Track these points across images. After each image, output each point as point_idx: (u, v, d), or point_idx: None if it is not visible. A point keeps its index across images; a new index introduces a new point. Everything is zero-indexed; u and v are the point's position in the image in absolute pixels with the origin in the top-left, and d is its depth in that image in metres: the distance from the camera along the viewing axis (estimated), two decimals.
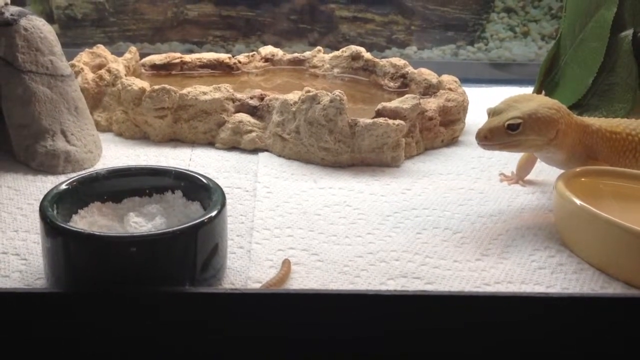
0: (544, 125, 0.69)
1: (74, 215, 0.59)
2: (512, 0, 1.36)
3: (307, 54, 1.13)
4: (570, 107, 0.87)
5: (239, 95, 0.92)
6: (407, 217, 0.72)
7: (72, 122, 0.82)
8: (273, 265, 0.62)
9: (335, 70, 1.10)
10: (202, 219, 0.55)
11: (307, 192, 0.77)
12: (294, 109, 0.86)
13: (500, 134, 0.69)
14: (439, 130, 0.92)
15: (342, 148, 0.83)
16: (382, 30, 1.36)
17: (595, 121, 0.75)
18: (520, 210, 0.74)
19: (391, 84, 1.04)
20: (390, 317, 0.53)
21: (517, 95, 0.73)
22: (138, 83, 0.91)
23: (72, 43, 1.30)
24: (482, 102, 0.93)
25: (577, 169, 0.70)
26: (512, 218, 0.72)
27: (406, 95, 0.89)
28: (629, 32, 0.89)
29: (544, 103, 0.71)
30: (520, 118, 0.68)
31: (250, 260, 0.63)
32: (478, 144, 0.70)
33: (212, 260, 0.57)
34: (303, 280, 0.60)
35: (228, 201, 0.60)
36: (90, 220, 0.60)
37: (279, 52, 1.13)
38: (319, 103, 0.84)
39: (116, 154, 0.86)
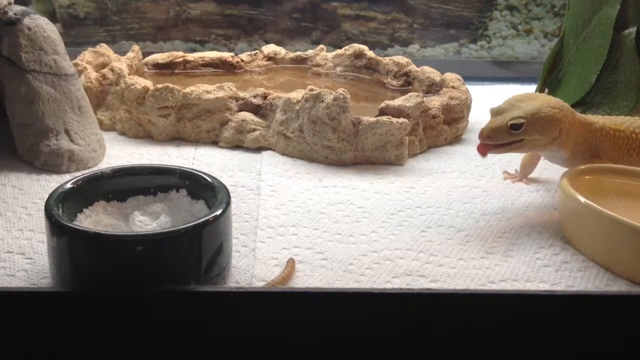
0: (547, 125, 0.69)
1: (78, 214, 0.60)
2: None
3: (310, 52, 1.13)
4: (574, 105, 0.87)
5: (242, 94, 0.92)
6: (411, 215, 0.72)
7: (75, 121, 0.82)
8: (278, 264, 0.62)
9: (338, 68, 1.10)
10: (207, 218, 0.55)
11: (311, 191, 0.77)
12: (297, 107, 0.86)
13: (503, 133, 0.68)
14: (442, 129, 0.92)
15: (346, 146, 0.83)
16: (384, 28, 1.36)
17: (598, 119, 0.75)
18: (525, 208, 0.74)
19: (394, 82, 1.04)
20: (395, 315, 0.53)
21: (520, 95, 0.73)
22: (141, 82, 0.91)
23: (75, 42, 1.31)
24: (485, 100, 0.93)
25: (581, 167, 0.71)
26: (516, 216, 0.72)
27: (409, 94, 0.88)
28: (632, 30, 0.89)
29: (547, 102, 0.71)
30: (523, 118, 0.68)
31: (255, 258, 0.63)
32: (481, 143, 0.69)
33: (217, 259, 0.57)
34: (308, 279, 0.60)
35: (232, 200, 0.60)
36: (95, 219, 0.60)
37: (281, 51, 1.13)
38: (322, 101, 0.84)
39: (120, 153, 0.86)
